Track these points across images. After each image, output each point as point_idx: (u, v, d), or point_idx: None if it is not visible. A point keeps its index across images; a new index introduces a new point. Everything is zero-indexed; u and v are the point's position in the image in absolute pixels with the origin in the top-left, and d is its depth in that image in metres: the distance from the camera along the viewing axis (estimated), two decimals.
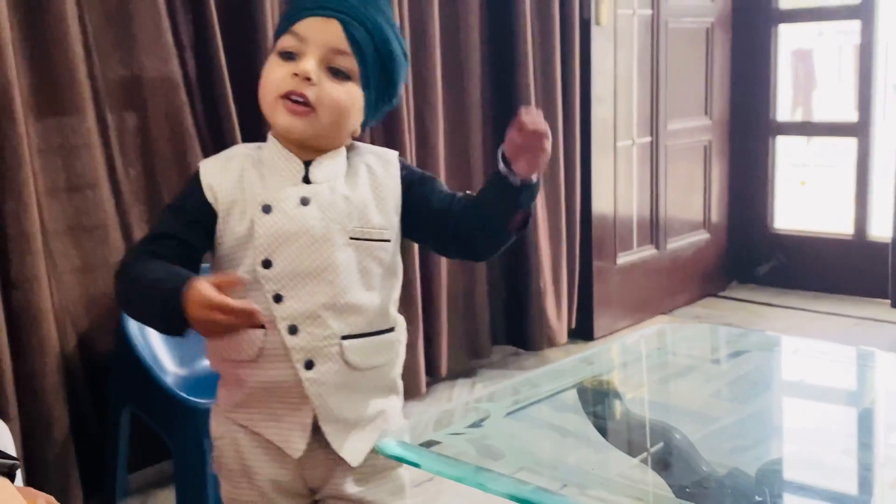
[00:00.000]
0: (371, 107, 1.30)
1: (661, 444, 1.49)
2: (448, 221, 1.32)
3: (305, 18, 1.25)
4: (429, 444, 1.29)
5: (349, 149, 1.34)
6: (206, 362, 2.22)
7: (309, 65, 1.23)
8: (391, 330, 1.34)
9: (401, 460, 1.26)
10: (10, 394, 1.97)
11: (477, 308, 3.11)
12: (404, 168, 1.35)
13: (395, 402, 1.39)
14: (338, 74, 1.25)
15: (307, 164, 1.29)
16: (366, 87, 1.27)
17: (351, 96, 1.26)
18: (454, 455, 1.28)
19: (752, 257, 4.18)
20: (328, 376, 1.27)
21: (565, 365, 1.88)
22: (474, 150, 3.00)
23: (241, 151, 1.35)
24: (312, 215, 1.26)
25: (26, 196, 1.97)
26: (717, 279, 4.12)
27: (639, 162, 3.60)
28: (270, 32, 2.34)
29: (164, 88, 2.24)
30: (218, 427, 1.36)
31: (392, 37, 1.29)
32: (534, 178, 1.27)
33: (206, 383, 2.06)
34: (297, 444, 1.29)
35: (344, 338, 1.28)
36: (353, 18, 1.25)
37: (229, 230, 1.27)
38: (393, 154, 1.36)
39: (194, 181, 1.29)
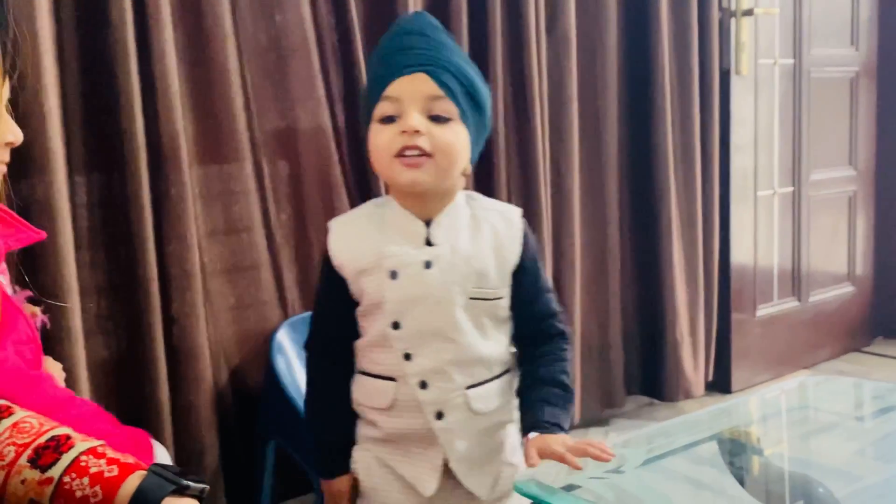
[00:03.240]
0: (474, 140, 1.37)
1: (802, 502, 1.47)
2: (520, 336, 1.44)
3: (394, 81, 1.32)
4: (567, 488, 1.32)
5: (470, 203, 1.41)
6: None
7: (414, 119, 1.30)
8: (508, 371, 1.43)
9: (537, 501, 1.29)
10: (167, 424, 2.09)
11: (611, 357, 3.09)
12: (525, 235, 1.42)
13: (512, 430, 1.46)
14: (439, 120, 1.32)
15: (427, 223, 1.37)
16: (466, 123, 1.34)
17: (458, 135, 1.33)
18: (593, 500, 1.30)
19: None
20: (456, 424, 1.36)
21: (702, 416, 1.86)
22: (610, 200, 3.02)
23: (364, 212, 1.43)
24: (435, 278, 1.33)
25: (189, 238, 2.10)
26: (861, 334, 3.97)
27: (780, 212, 3.53)
28: None
29: (315, 139, 2.36)
30: (356, 453, 1.46)
31: (469, 69, 1.36)
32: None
33: None
34: (429, 483, 1.38)
35: (468, 388, 1.36)
36: (437, 66, 1.31)
37: (364, 293, 1.36)
38: (516, 214, 1.43)
39: (325, 253, 1.41)
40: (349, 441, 1.45)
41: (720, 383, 3.39)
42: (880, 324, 4.03)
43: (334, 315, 1.42)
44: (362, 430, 1.45)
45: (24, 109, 1.86)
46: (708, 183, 3.20)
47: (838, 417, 1.87)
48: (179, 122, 2.08)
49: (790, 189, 3.56)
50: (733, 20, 3.22)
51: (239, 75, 2.22)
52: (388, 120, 1.32)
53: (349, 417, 1.45)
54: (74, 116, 1.99)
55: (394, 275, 1.33)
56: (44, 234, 1.18)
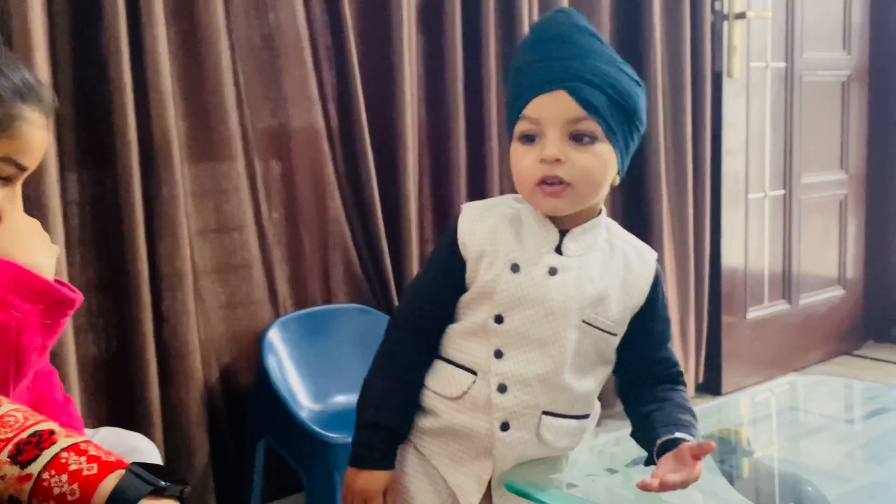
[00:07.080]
0: (622, 151, 1.27)
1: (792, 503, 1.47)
2: (642, 377, 1.33)
3: (532, 99, 1.23)
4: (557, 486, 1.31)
5: (609, 227, 1.33)
6: (339, 399, 2.31)
7: (553, 148, 1.22)
8: (587, 416, 1.35)
9: (528, 497, 1.28)
10: (157, 421, 2.08)
11: None
12: (657, 278, 1.33)
13: (562, 466, 1.40)
14: (582, 139, 1.22)
15: (562, 233, 1.28)
16: (612, 138, 1.24)
17: (601, 158, 1.24)
18: (585, 498, 1.30)
19: (889, 315, 4.02)
20: (518, 443, 1.29)
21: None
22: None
23: (501, 203, 1.35)
24: (556, 288, 1.25)
25: (180, 236, 2.10)
26: (851, 337, 3.98)
27: (771, 215, 3.54)
28: (407, 87, 2.44)
29: (307, 138, 2.36)
30: (403, 449, 1.37)
31: (619, 74, 1.24)
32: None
33: (340, 419, 2.14)
34: (471, 495, 1.31)
35: (545, 413, 1.29)
36: (578, 81, 1.21)
37: (477, 278, 1.29)
38: (652, 255, 1.35)
39: (452, 227, 1.32)
40: (403, 433, 1.34)
41: (710, 385, 3.39)
42: (870, 327, 4.05)
43: (439, 295, 1.33)
44: (419, 422, 1.34)
45: None
46: (699, 185, 3.21)
47: (828, 419, 1.87)
48: (171, 119, 2.08)
49: (781, 192, 3.57)
50: (725, 23, 3.22)
51: (232, 73, 2.22)
52: (528, 139, 1.25)
53: (414, 405, 1.33)
54: (66, 113, 1.98)
55: (515, 268, 1.26)
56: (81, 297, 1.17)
